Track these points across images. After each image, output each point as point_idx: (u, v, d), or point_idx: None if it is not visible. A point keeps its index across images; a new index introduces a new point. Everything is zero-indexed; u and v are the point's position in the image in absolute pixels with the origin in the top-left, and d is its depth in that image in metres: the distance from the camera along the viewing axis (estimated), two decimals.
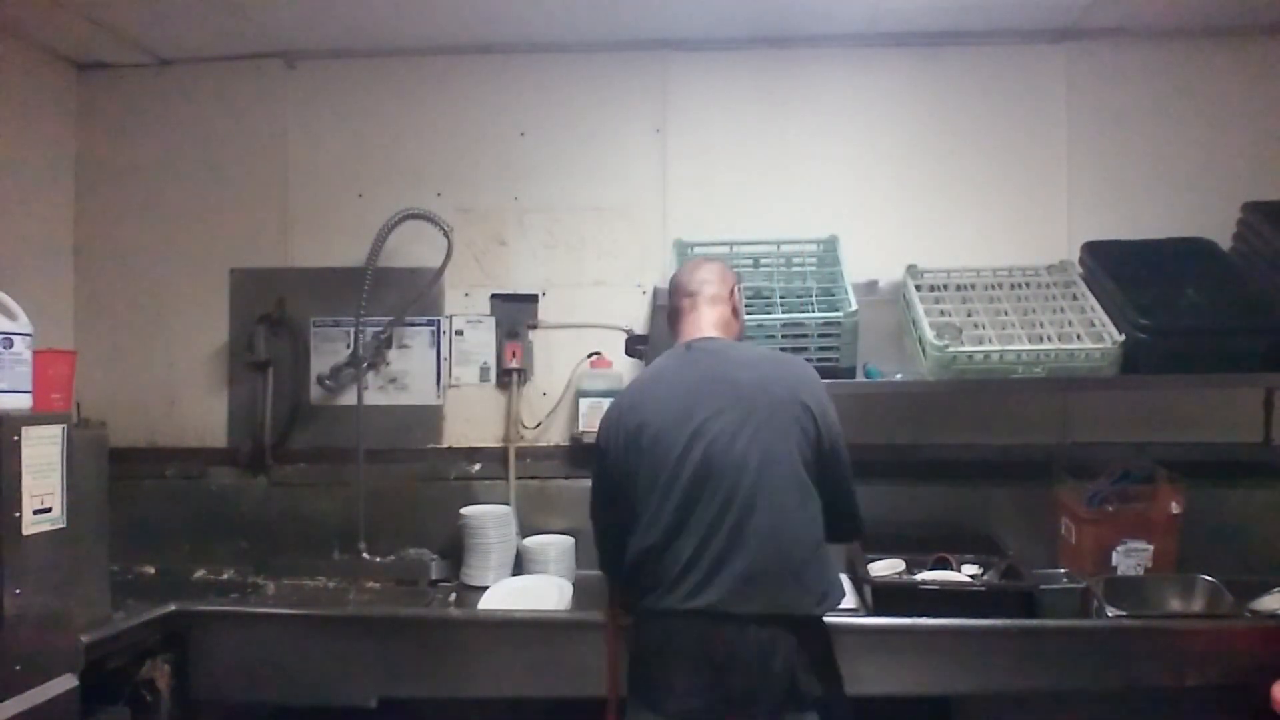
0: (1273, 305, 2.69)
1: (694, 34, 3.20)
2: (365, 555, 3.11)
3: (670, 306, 2.39)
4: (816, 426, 2.11)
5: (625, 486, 2.16)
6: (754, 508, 2.02)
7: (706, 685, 2.00)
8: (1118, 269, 2.84)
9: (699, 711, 2.00)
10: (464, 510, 3.04)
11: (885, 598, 2.51)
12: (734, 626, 2.00)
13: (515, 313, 3.28)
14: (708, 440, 2.06)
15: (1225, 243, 2.97)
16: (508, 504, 3.13)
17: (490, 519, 2.99)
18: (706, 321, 2.30)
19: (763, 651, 1.99)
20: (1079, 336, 2.71)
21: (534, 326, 3.27)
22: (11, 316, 2.18)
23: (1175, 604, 2.61)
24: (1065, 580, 2.69)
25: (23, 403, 2.17)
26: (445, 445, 3.27)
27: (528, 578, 2.90)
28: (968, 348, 2.68)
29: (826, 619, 2.10)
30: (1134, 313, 2.67)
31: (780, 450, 2.07)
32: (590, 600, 2.64)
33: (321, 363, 3.26)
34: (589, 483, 3.12)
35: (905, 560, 2.75)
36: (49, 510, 2.12)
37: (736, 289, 2.37)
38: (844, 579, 2.83)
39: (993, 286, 2.96)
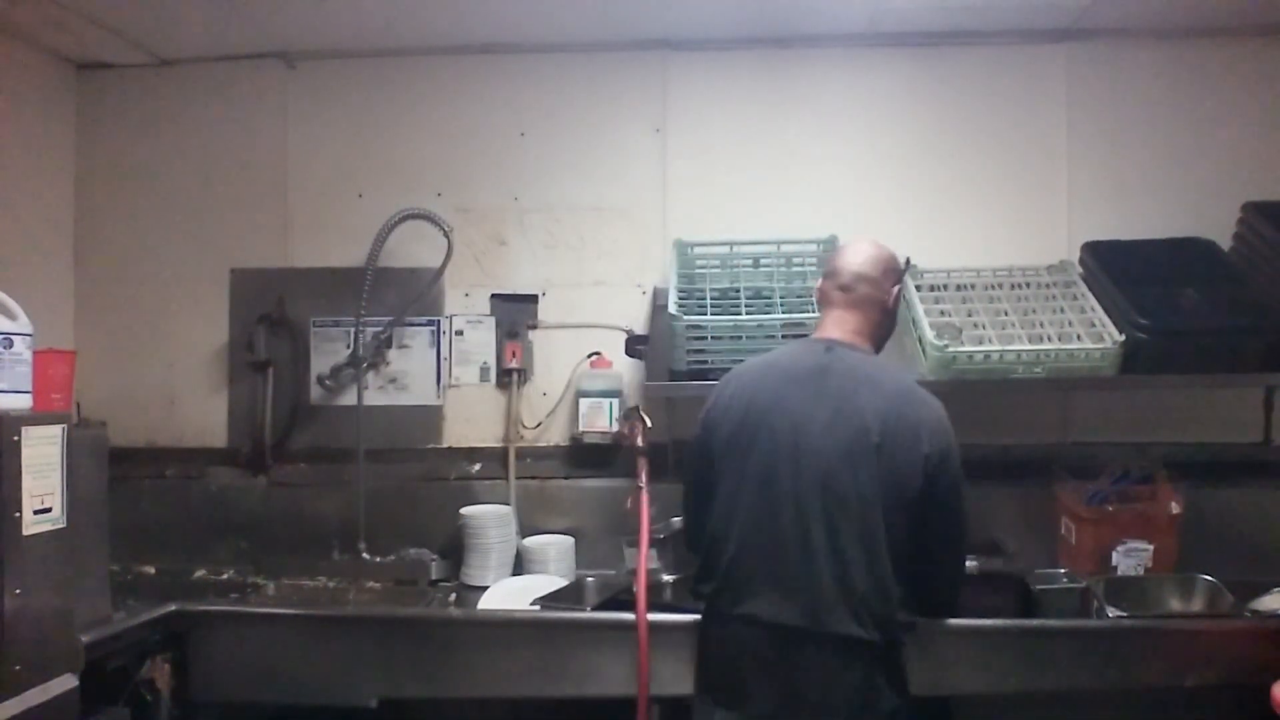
0: (1273, 305, 2.69)
1: (694, 34, 3.20)
2: (365, 555, 3.11)
3: (820, 291, 2.21)
4: (930, 479, 1.97)
5: (716, 463, 2.08)
6: (839, 532, 1.95)
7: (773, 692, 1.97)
8: (1118, 269, 2.84)
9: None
10: (464, 510, 3.04)
11: None
12: (794, 640, 1.96)
13: (515, 313, 3.28)
14: (813, 454, 1.97)
15: (1225, 243, 2.98)
16: (508, 504, 3.13)
17: (490, 519, 2.99)
18: (850, 325, 2.12)
19: (833, 666, 1.94)
20: (1079, 336, 2.71)
21: (534, 326, 3.27)
22: (11, 316, 2.17)
23: (1175, 604, 2.61)
24: (1065, 580, 2.69)
25: (23, 403, 2.17)
26: (445, 445, 3.27)
27: (528, 578, 2.90)
28: (968, 348, 2.69)
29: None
30: (1134, 313, 2.67)
31: (874, 488, 1.95)
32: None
33: (321, 363, 3.26)
34: (588, 483, 3.18)
35: None
36: (49, 510, 2.12)
37: (898, 288, 2.18)
38: None
39: (993, 286, 2.96)
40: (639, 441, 2.69)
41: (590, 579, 2.83)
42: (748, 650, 2.01)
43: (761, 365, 2.17)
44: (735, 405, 2.10)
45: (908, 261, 2.29)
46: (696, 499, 2.19)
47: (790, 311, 2.82)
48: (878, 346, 2.20)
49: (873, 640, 1.95)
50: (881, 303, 2.15)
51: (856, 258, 2.16)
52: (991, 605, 2.50)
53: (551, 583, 2.82)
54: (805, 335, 2.57)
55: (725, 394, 2.16)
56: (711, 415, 2.16)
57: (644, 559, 2.42)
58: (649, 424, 2.75)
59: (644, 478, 2.58)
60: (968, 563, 2.58)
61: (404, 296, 3.21)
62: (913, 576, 2.01)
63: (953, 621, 2.40)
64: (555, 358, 3.26)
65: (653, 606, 2.45)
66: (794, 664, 1.96)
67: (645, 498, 2.53)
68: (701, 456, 2.16)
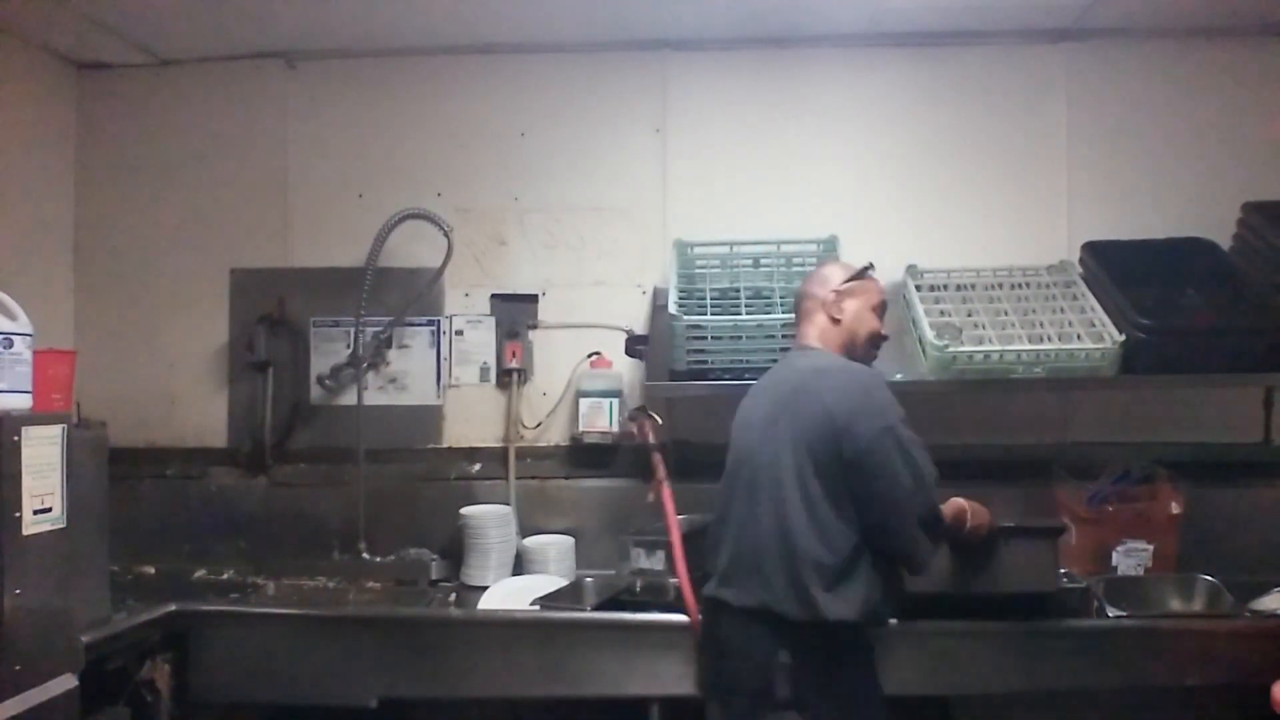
0: (1273, 305, 2.69)
1: (694, 34, 3.20)
2: (365, 555, 3.11)
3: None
4: (838, 438, 2.06)
5: None
6: (757, 505, 2.12)
7: (711, 669, 2.23)
8: (1118, 269, 2.84)
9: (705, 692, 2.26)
10: (464, 510, 3.04)
11: None
12: (726, 616, 2.14)
13: (515, 313, 3.28)
14: (749, 441, 2.22)
15: (1225, 243, 2.98)
16: (508, 504, 3.13)
17: (490, 519, 2.99)
18: (808, 332, 2.34)
19: (745, 644, 2.09)
20: (1079, 336, 2.71)
21: (534, 326, 3.27)
22: (11, 316, 2.17)
23: (1175, 604, 2.62)
24: (1065, 580, 2.69)
25: (23, 403, 2.17)
26: (445, 445, 3.27)
27: (528, 578, 2.90)
28: (968, 348, 2.69)
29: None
30: (1134, 313, 2.67)
31: (788, 456, 2.10)
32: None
33: (321, 363, 3.26)
34: (588, 483, 3.18)
35: None
36: (49, 510, 2.12)
37: (833, 294, 2.30)
38: None
39: (993, 286, 2.96)
40: (650, 439, 2.69)
41: (590, 579, 2.83)
42: (707, 633, 2.28)
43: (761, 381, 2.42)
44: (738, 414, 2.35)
45: (869, 265, 2.43)
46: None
47: (790, 311, 2.80)
48: (834, 348, 2.30)
49: (784, 614, 2.03)
50: (819, 308, 2.32)
51: (811, 278, 2.42)
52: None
53: (551, 583, 2.82)
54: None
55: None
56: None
57: (679, 552, 2.44)
58: (660, 421, 2.75)
59: (663, 472, 2.57)
60: None
61: (404, 296, 3.21)
62: (877, 539, 2.08)
63: (953, 622, 2.42)
64: (555, 358, 3.26)
65: (656, 607, 2.45)
66: (724, 639, 2.16)
67: (668, 492, 2.53)
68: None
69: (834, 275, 2.35)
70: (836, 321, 2.30)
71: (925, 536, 2.09)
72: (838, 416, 2.07)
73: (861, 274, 2.38)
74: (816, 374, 2.18)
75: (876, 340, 2.35)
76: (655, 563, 2.53)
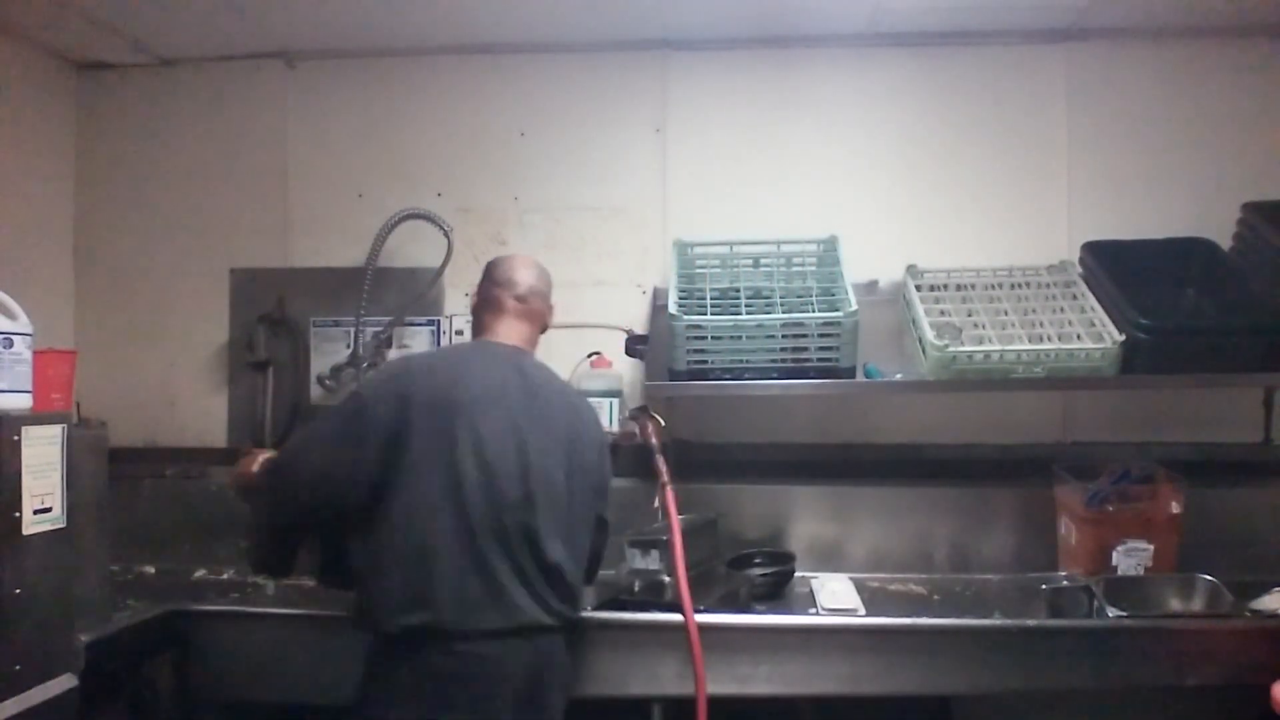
0: (1273, 305, 2.69)
1: (694, 34, 3.20)
2: None
3: (488, 296, 2.29)
4: (601, 467, 2.27)
5: (382, 454, 2.01)
6: (551, 524, 2.07)
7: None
8: (1118, 269, 2.84)
9: None
10: None
11: None
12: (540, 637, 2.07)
13: None
14: (496, 443, 2.04)
15: (1225, 243, 2.97)
16: None
17: None
18: (520, 334, 2.27)
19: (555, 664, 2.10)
20: (1079, 336, 2.71)
21: None
22: (11, 316, 2.17)
23: (1175, 604, 2.61)
24: (1066, 580, 2.69)
25: (23, 403, 2.17)
26: None
27: None
28: (968, 348, 2.69)
29: None
30: (1134, 313, 2.67)
31: (577, 479, 2.16)
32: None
33: (321, 363, 3.26)
34: None
35: None
36: (49, 510, 2.12)
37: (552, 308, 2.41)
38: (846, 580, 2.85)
39: (993, 286, 2.96)
40: (653, 440, 2.68)
41: None
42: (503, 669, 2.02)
43: (445, 365, 2.17)
44: (413, 392, 2.04)
45: None
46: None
47: (790, 311, 2.81)
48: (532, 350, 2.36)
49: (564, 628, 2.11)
50: (543, 316, 2.35)
51: (530, 273, 2.31)
52: None
53: None
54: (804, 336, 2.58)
55: (392, 374, 2.21)
56: (370, 398, 2.07)
57: (680, 557, 2.40)
58: (662, 422, 2.74)
59: (666, 474, 2.57)
60: None
61: (404, 296, 3.21)
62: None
63: (953, 621, 2.42)
64: (555, 358, 3.22)
65: (656, 606, 2.45)
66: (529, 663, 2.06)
67: (671, 494, 2.53)
68: (353, 433, 2.04)
69: (549, 288, 2.37)
70: (542, 332, 2.36)
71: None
72: (604, 448, 2.29)
73: None
74: (578, 399, 2.37)
75: None
76: (651, 562, 2.52)
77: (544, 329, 2.37)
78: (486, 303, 2.30)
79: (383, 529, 2.00)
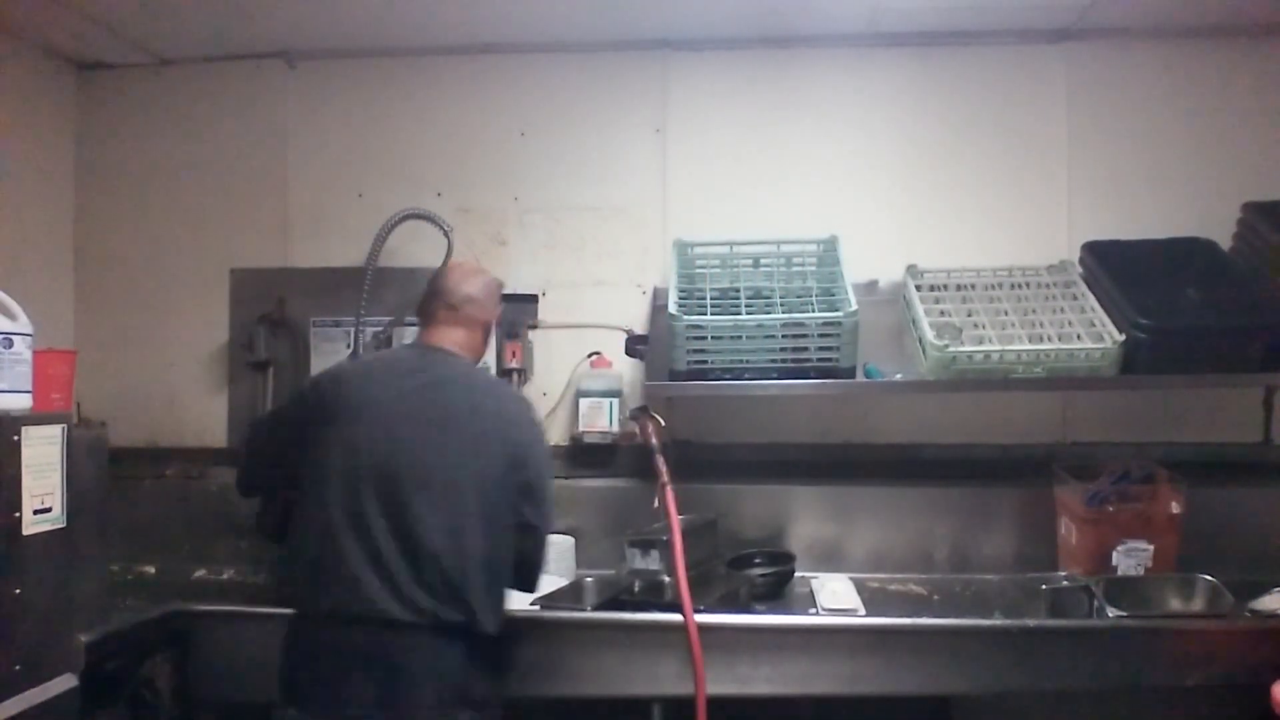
0: (1273, 305, 2.69)
1: (694, 34, 3.20)
2: None
3: (423, 303, 2.37)
4: (520, 464, 2.17)
5: (304, 443, 2.17)
6: (430, 516, 2.06)
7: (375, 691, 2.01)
8: (1118, 269, 2.84)
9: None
10: None
11: None
12: (391, 630, 2.02)
13: (515, 313, 3.26)
14: (404, 445, 2.10)
15: (1225, 243, 2.97)
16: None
17: None
18: (452, 336, 2.31)
19: (425, 659, 2.02)
20: (1079, 336, 2.71)
21: (534, 326, 3.27)
22: (11, 316, 2.17)
23: (1175, 604, 2.61)
24: (1065, 580, 2.69)
25: (23, 403, 2.17)
26: None
27: None
28: (968, 348, 2.69)
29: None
30: (1134, 313, 2.67)
31: (468, 472, 2.11)
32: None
33: (321, 363, 3.25)
34: (588, 483, 3.17)
35: None
36: (49, 510, 2.12)
37: (497, 318, 2.45)
38: (846, 580, 2.85)
39: (993, 286, 2.96)
40: (653, 440, 2.68)
41: (590, 579, 2.83)
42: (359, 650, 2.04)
43: (363, 365, 2.46)
44: (336, 390, 2.21)
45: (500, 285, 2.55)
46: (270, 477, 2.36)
47: (790, 311, 2.81)
48: (475, 357, 2.38)
49: (462, 626, 2.05)
50: (480, 322, 2.36)
51: (463, 283, 2.35)
52: None
53: (551, 582, 2.81)
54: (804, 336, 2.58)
55: (329, 375, 2.35)
56: (307, 392, 2.30)
57: (680, 557, 2.40)
58: (663, 422, 2.74)
59: (666, 474, 2.57)
60: None
61: (404, 296, 3.20)
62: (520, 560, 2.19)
63: (953, 621, 2.42)
64: (555, 358, 3.26)
65: (656, 606, 2.45)
66: (392, 655, 2.03)
67: (671, 494, 2.53)
68: (290, 422, 2.28)
69: (496, 291, 2.43)
70: (486, 341, 2.41)
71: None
72: (520, 444, 2.20)
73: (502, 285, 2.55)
74: (498, 395, 2.32)
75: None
76: (651, 562, 2.52)
77: (488, 332, 2.41)
78: (421, 309, 2.40)
79: (296, 510, 2.21)
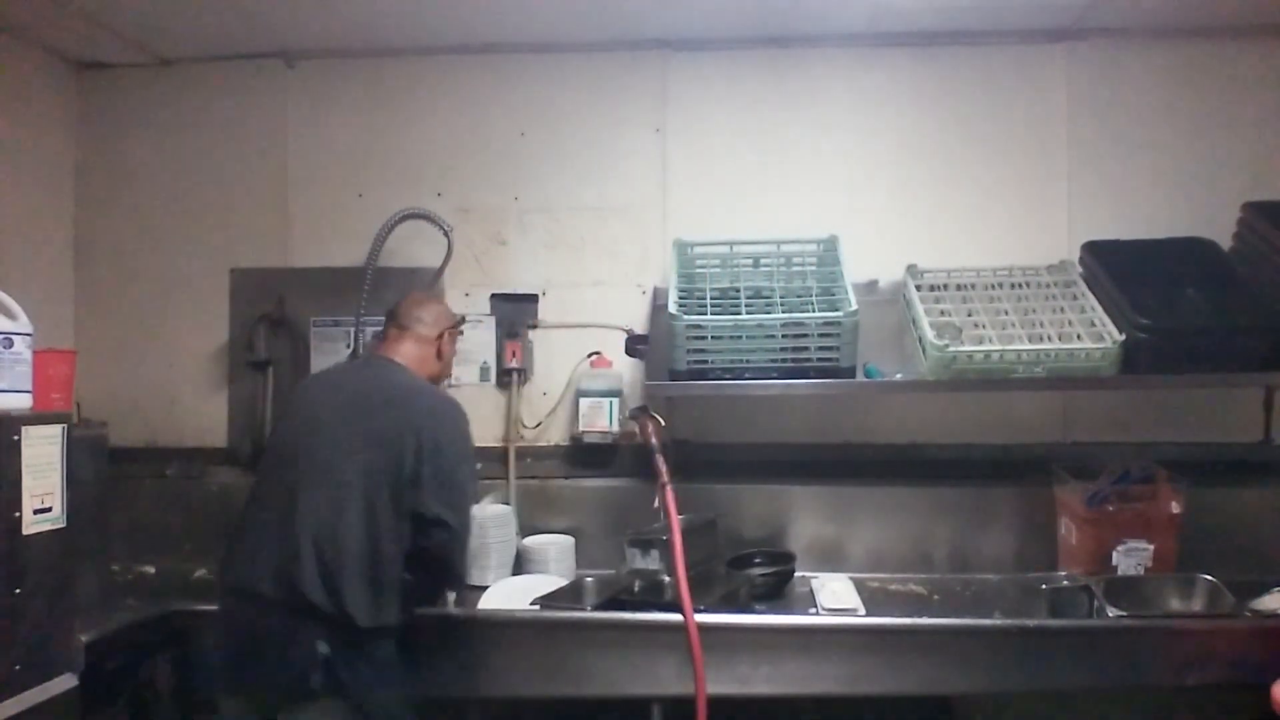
0: (1273, 305, 2.69)
1: (694, 34, 3.20)
2: None
3: (383, 326, 2.59)
4: (416, 455, 2.21)
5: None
6: (315, 504, 2.17)
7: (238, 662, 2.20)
8: (1118, 269, 2.84)
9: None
10: None
11: None
12: (261, 608, 2.16)
13: (515, 313, 3.28)
14: (314, 436, 2.27)
15: (1225, 243, 2.97)
16: (508, 504, 3.12)
17: (490, 519, 2.98)
18: (399, 350, 2.48)
19: (284, 636, 2.12)
20: (1079, 336, 2.71)
21: (534, 326, 3.27)
22: (11, 316, 2.18)
23: (1175, 604, 2.62)
24: (1066, 580, 2.69)
25: (23, 403, 2.17)
26: None
27: (528, 577, 2.89)
28: (968, 347, 2.69)
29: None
30: (1134, 313, 2.67)
31: (359, 463, 2.19)
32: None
33: (321, 363, 3.25)
34: (588, 482, 3.18)
35: None
36: (49, 510, 2.12)
37: (448, 334, 2.57)
38: (846, 580, 2.85)
39: (993, 286, 2.96)
40: (653, 440, 2.68)
41: (590, 579, 2.83)
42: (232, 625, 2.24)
43: (321, 373, 2.72)
44: (290, 409, 2.49)
45: (463, 318, 2.82)
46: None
47: (790, 311, 2.81)
48: (421, 375, 2.49)
49: (326, 610, 2.11)
50: (431, 340, 2.53)
51: (414, 308, 2.56)
52: None
53: (551, 582, 2.82)
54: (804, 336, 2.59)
55: (290, 394, 2.69)
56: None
57: (679, 557, 2.40)
58: (663, 422, 2.74)
59: (666, 474, 2.57)
60: None
61: (404, 296, 3.20)
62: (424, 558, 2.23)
63: (953, 621, 2.42)
64: (555, 358, 3.26)
65: (656, 607, 2.45)
66: (259, 632, 2.17)
67: (671, 494, 2.52)
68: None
69: (445, 316, 2.61)
70: (439, 357, 2.55)
71: (466, 561, 2.36)
72: (423, 433, 2.23)
73: (462, 321, 2.77)
74: (403, 389, 2.37)
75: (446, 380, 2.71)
76: (650, 562, 2.52)
77: (440, 353, 2.56)
78: (379, 336, 2.64)
79: None
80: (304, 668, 2.08)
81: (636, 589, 2.53)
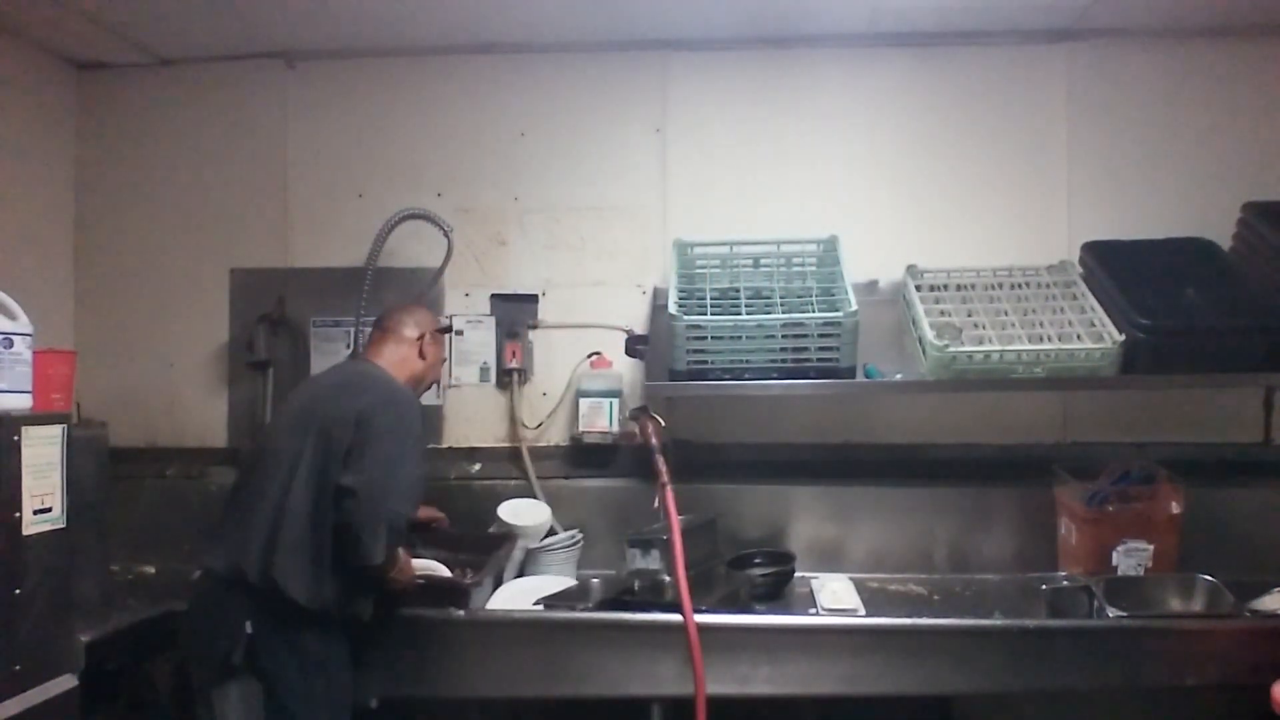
0: (1273, 305, 2.69)
1: (694, 34, 3.20)
2: None
3: (370, 332, 2.68)
4: (354, 430, 2.25)
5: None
6: (266, 483, 2.26)
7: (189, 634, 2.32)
8: (1118, 269, 2.84)
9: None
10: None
11: None
12: (209, 583, 2.27)
13: (515, 313, 3.28)
14: (279, 426, 2.40)
15: (1225, 243, 2.97)
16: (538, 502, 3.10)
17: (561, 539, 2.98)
18: (381, 351, 2.56)
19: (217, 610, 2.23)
20: (1079, 336, 2.71)
21: (534, 326, 3.27)
22: (11, 316, 2.18)
23: (1175, 604, 2.61)
24: (1065, 580, 2.69)
25: (23, 403, 2.17)
26: (445, 445, 3.27)
27: (531, 578, 2.89)
28: (968, 348, 2.69)
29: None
30: (1134, 313, 2.67)
31: (308, 443, 2.26)
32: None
33: (321, 363, 3.25)
34: (589, 483, 3.18)
35: None
36: (49, 510, 2.12)
37: (429, 336, 2.61)
38: (846, 580, 2.85)
39: (993, 286, 2.96)
40: (653, 440, 2.68)
41: (596, 580, 2.82)
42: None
43: (312, 376, 2.88)
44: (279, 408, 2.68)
45: (450, 325, 3.02)
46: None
47: (790, 311, 2.81)
48: (403, 376, 2.53)
49: (257, 585, 2.18)
50: (413, 341, 2.59)
51: (397, 313, 2.64)
52: None
53: (554, 583, 2.81)
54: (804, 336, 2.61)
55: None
56: None
57: (679, 557, 2.40)
58: (663, 423, 2.74)
59: (666, 475, 2.57)
60: None
61: (404, 296, 3.19)
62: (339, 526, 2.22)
63: (953, 621, 2.42)
64: (555, 358, 3.26)
65: (656, 607, 2.45)
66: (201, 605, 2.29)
67: (670, 495, 2.53)
68: None
69: (427, 320, 2.66)
70: (422, 357, 2.59)
71: (383, 537, 2.18)
72: (361, 412, 2.27)
73: (448, 330, 2.88)
74: (361, 377, 2.45)
75: (431, 385, 2.78)
76: (651, 562, 2.52)
77: (421, 353, 2.59)
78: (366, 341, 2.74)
79: None
80: (229, 645, 2.16)
81: (637, 589, 2.53)
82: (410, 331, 2.59)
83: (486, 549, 2.76)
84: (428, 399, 3.25)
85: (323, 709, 2.22)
